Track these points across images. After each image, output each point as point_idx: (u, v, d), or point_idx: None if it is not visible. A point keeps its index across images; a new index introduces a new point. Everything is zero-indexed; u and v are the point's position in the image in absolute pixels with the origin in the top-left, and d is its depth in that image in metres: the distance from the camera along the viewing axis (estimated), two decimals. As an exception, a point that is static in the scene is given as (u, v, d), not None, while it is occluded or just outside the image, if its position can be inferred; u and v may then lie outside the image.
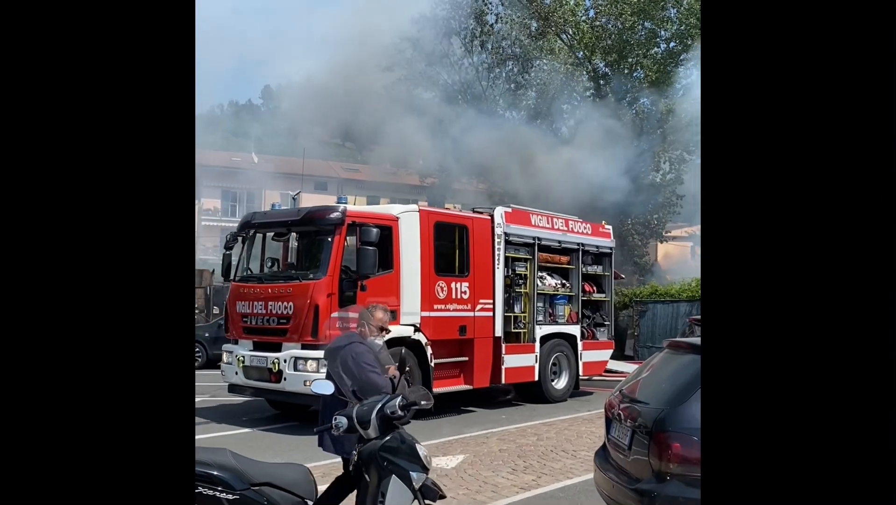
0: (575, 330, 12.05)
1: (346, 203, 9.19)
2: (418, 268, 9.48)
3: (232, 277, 9.72)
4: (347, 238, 8.82)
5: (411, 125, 34.31)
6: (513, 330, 11.02)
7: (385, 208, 9.77)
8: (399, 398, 3.73)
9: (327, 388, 4.04)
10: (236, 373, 9.09)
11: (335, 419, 3.77)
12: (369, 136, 40.48)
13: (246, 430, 8.83)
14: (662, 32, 30.76)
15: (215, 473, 3.26)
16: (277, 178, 43.46)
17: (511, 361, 10.68)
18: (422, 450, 3.71)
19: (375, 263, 8.62)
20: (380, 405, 3.72)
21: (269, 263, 9.76)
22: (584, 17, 31.69)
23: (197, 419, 9.87)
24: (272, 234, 9.80)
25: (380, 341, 4.64)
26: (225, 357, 9.51)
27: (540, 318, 11.49)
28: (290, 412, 9.70)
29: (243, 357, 9.08)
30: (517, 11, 33.25)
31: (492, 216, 10.74)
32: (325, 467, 5.66)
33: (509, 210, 11.11)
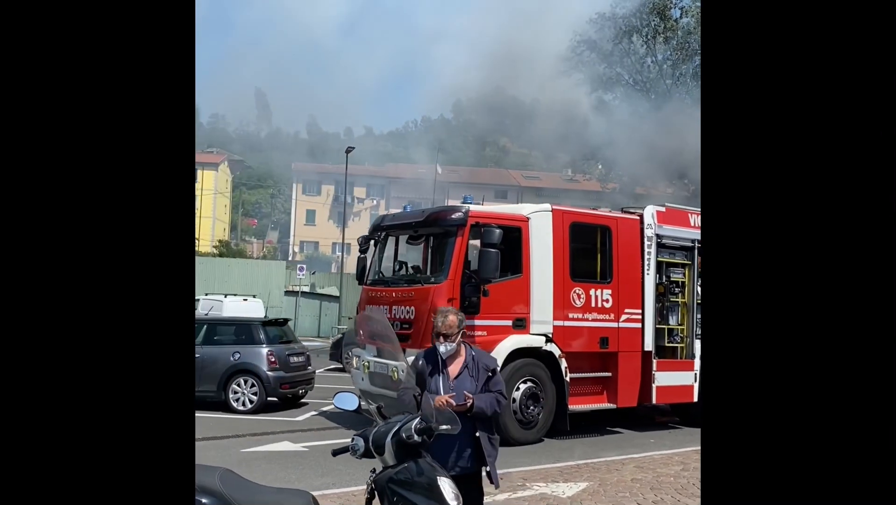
0: (746, 346, 10.51)
1: (472, 202, 8.71)
2: (551, 273, 8.72)
3: (365, 281, 9.63)
4: (472, 240, 8.31)
5: (590, 129, 33.37)
6: (667, 344, 9.82)
7: (515, 208, 9.13)
8: (417, 420, 3.14)
9: (350, 402, 3.54)
10: (362, 379, 8.95)
11: (353, 440, 3.27)
12: (549, 143, 40.27)
13: (302, 446, 8.41)
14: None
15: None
16: (460, 187, 44.42)
17: (664, 378, 9.50)
18: (447, 486, 3.07)
19: (498, 266, 8.02)
20: (397, 427, 3.16)
21: (398, 267, 9.54)
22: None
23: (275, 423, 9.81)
24: (406, 237, 9.59)
25: (444, 348, 4.00)
26: (354, 362, 9.43)
27: (701, 331, 10.15)
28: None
29: (369, 363, 8.92)
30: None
31: (641, 216, 9.66)
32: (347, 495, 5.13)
33: (662, 209, 9.95)
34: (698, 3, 30.80)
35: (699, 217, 10.24)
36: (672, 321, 9.93)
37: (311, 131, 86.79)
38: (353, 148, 30.63)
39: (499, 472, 3.89)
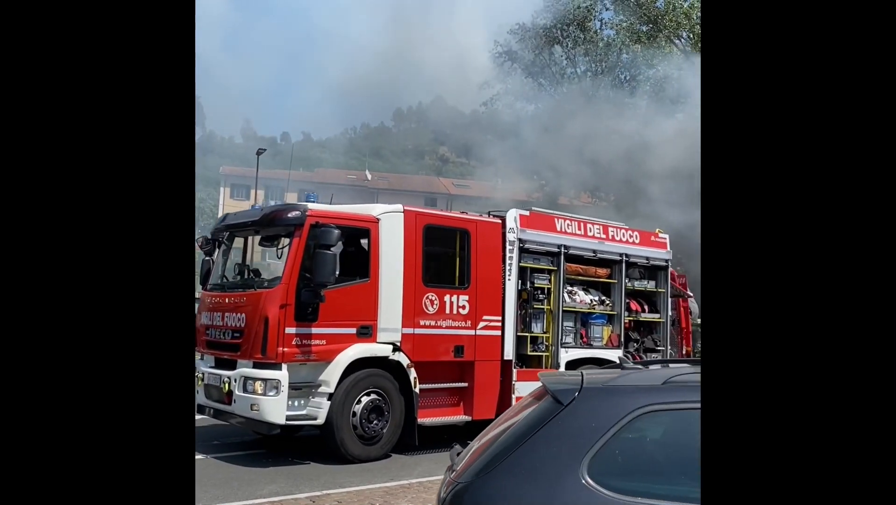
0: (615, 355, 10.26)
1: (315, 200, 8.18)
2: (401, 277, 8.26)
3: (205, 286, 8.97)
4: (312, 242, 7.76)
5: (511, 140, 33.42)
6: (530, 353, 9.48)
7: (366, 208, 8.63)
8: None
9: None
10: (197, 391, 8.28)
11: None
12: (478, 152, 40.37)
13: (199, 456, 7.91)
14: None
15: None
16: (384, 194, 43.97)
17: (525, 388, 9.12)
18: None
19: (335, 269, 7.50)
20: None
21: (235, 270, 8.91)
22: (698, 22, 29.41)
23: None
24: (258, 238, 8.98)
25: None
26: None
27: (568, 339, 9.87)
28: (270, 439, 8.66)
29: (203, 374, 8.27)
30: (626, 15, 31.48)
31: (503, 220, 9.32)
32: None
33: (527, 213, 9.64)
34: (621, 17, 31.33)
35: (567, 222, 9.99)
36: (536, 329, 9.61)
37: (247, 136, 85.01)
38: (265, 150, 29.75)
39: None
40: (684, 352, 15.92)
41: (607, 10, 32.66)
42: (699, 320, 18.73)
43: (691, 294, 16.03)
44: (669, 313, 15.33)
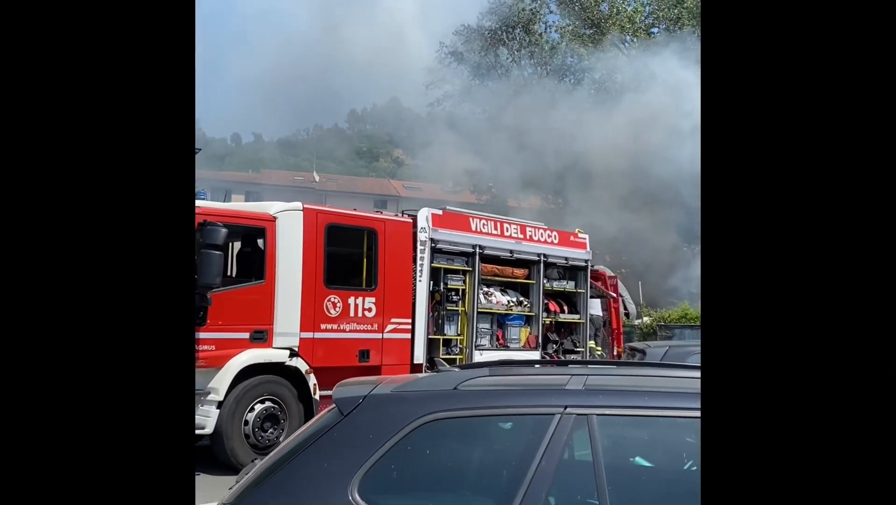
0: (533, 357, 10.06)
1: (205, 198, 7.76)
2: (300, 279, 7.88)
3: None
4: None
5: (458, 141, 33.30)
6: (443, 356, 9.19)
7: (263, 206, 8.24)
8: None
9: None
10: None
11: None
12: (429, 154, 40.28)
13: None
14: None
15: None
16: (333, 196, 43.44)
17: (437, 393, 8.85)
18: None
19: (220, 270, 7.10)
20: None
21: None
22: (641, 25, 29.75)
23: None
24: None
25: None
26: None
27: (483, 341, 9.63)
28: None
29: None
30: (570, 20, 31.68)
31: (414, 219, 9.02)
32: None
33: (439, 213, 9.36)
34: (568, 22, 31.46)
35: (482, 221, 9.76)
36: (450, 331, 9.35)
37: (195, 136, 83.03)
38: (200, 149, 28.90)
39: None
40: (615, 353, 15.90)
41: (551, 13, 32.84)
42: (637, 321, 18.80)
43: (617, 295, 16.00)
44: (600, 314, 15.28)
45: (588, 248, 11.05)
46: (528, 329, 10.22)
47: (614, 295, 13.25)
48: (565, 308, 10.82)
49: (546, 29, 33.10)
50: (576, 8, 31.40)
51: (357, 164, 74.29)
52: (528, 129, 27.18)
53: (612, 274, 17.18)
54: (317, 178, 49.55)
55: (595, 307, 15.42)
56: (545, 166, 29.42)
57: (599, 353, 15.61)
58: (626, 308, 21.63)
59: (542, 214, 36.54)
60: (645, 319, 18.48)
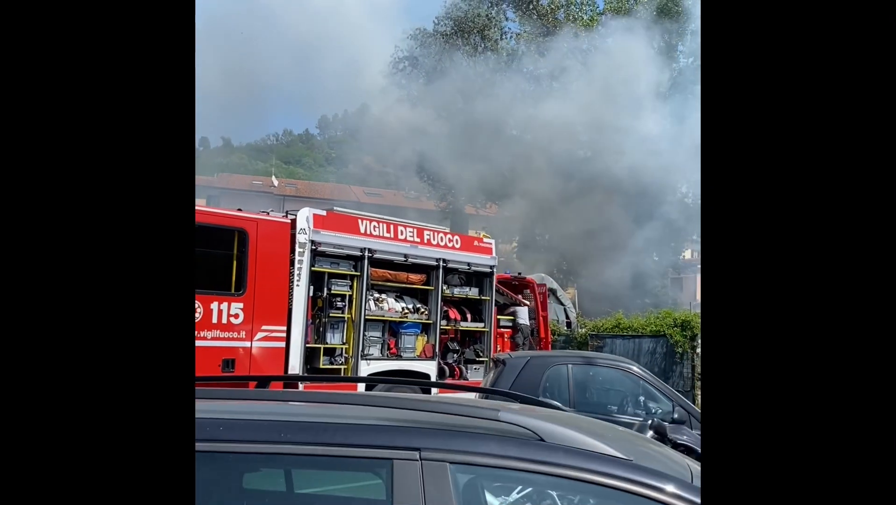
0: (429, 367, 9.57)
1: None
2: (155, 282, 7.29)
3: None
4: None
5: (414, 146, 32.94)
6: (325, 366, 8.66)
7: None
8: None
9: None
10: None
11: None
12: (395, 160, 40.07)
13: None
14: (680, 47, 28.41)
15: None
16: (290, 200, 42.80)
17: (316, 405, 8.29)
18: None
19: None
20: None
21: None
22: (597, 29, 29.61)
23: None
24: None
25: None
26: None
27: (373, 350, 9.10)
28: None
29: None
30: (527, 27, 31.54)
31: (293, 220, 8.49)
32: None
33: (322, 213, 8.84)
34: (526, 27, 31.28)
35: (373, 224, 9.25)
36: (334, 339, 8.80)
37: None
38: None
39: None
40: (543, 363, 15.46)
41: (507, 19, 32.66)
42: (566, 329, 18.41)
43: (544, 303, 15.58)
44: (527, 323, 14.85)
45: (494, 254, 10.59)
46: (425, 337, 9.71)
47: (529, 304, 12.83)
48: (468, 316, 10.33)
49: (501, 36, 32.94)
50: (532, 16, 31.28)
51: (326, 171, 73.66)
52: (484, 126, 26.98)
53: (542, 283, 16.82)
54: (275, 183, 48.88)
55: (522, 316, 15.03)
56: (500, 169, 29.26)
57: (527, 362, 15.19)
58: (567, 316, 21.33)
59: (494, 221, 36.31)
60: (581, 329, 18.14)
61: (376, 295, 9.28)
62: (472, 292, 10.38)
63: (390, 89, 33.46)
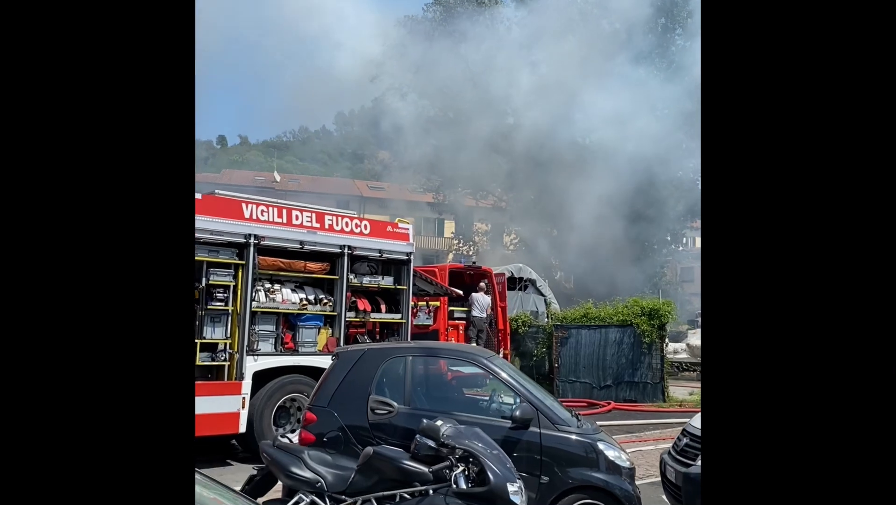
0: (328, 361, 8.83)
1: None
2: None
3: None
4: None
5: (406, 139, 32.45)
6: (203, 363, 7.97)
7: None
8: None
9: None
10: None
11: None
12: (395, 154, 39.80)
13: None
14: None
15: None
16: (293, 195, 42.55)
17: (197, 405, 7.62)
18: None
19: None
20: None
21: None
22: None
23: None
24: None
25: None
26: None
27: (264, 345, 8.40)
28: None
29: None
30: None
31: (165, 205, 7.81)
32: None
33: (198, 196, 8.14)
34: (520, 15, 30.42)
35: (261, 208, 8.54)
36: (215, 334, 8.11)
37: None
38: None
39: None
40: (501, 356, 14.67)
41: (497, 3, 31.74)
42: (535, 320, 17.53)
43: (502, 293, 14.74)
44: (483, 315, 14.06)
45: (411, 240, 9.80)
46: (328, 331, 8.99)
47: (458, 294, 12.05)
48: (382, 307, 9.57)
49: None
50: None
51: (341, 167, 73.45)
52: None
53: (501, 273, 15.98)
54: (278, 179, 48.52)
55: (477, 307, 14.24)
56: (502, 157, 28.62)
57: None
58: (547, 306, 20.42)
59: (493, 214, 35.46)
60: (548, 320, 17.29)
61: (268, 285, 8.58)
62: (386, 282, 9.62)
63: (382, 78, 32.91)
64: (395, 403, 5.20)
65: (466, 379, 5.71)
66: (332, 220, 9.07)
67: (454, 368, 5.64)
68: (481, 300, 14.21)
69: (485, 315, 14.28)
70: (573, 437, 5.09)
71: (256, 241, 8.30)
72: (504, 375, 5.32)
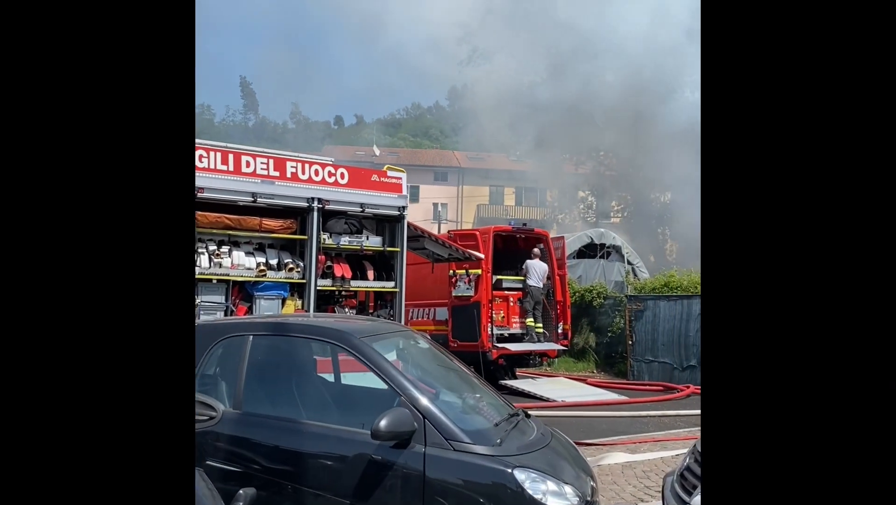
0: (296, 341, 7.25)
1: None
2: None
3: None
4: None
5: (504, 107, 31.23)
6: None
7: None
8: None
9: None
10: None
11: None
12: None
13: None
14: None
15: None
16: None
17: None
18: None
19: None
20: None
21: None
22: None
23: None
24: None
25: None
26: None
27: (209, 319, 6.95)
28: None
29: None
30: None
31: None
32: None
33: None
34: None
35: (202, 153, 7.04)
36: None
37: (297, 120, 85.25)
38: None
39: None
40: (560, 331, 12.60)
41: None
42: (613, 290, 15.20)
43: (561, 260, 12.71)
44: (539, 284, 12.05)
45: (404, 192, 7.97)
46: (296, 302, 7.40)
47: (481, 256, 10.09)
48: (370, 273, 7.86)
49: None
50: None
51: (452, 140, 72.53)
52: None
53: (560, 236, 13.88)
54: (377, 153, 47.98)
55: (533, 275, 12.24)
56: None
57: (541, 331, 12.41)
58: (635, 274, 17.91)
59: (590, 178, 32.92)
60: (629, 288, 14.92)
61: (212, 248, 7.10)
62: (372, 242, 7.88)
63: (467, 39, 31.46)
64: (218, 405, 3.51)
65: (310, 363, 3.91)
66: (295, 167, 7.42)
67: (304, 349, 3.83)
68: (537, 267, 12.19)
69: (541, 284, 12.25)
70: (479, 461, 3.17)
71: (196, 193, 6.82)
72: (379, 360, 3.45)
